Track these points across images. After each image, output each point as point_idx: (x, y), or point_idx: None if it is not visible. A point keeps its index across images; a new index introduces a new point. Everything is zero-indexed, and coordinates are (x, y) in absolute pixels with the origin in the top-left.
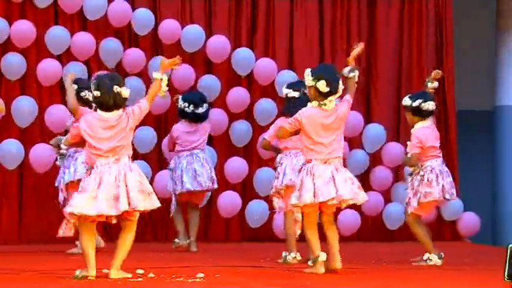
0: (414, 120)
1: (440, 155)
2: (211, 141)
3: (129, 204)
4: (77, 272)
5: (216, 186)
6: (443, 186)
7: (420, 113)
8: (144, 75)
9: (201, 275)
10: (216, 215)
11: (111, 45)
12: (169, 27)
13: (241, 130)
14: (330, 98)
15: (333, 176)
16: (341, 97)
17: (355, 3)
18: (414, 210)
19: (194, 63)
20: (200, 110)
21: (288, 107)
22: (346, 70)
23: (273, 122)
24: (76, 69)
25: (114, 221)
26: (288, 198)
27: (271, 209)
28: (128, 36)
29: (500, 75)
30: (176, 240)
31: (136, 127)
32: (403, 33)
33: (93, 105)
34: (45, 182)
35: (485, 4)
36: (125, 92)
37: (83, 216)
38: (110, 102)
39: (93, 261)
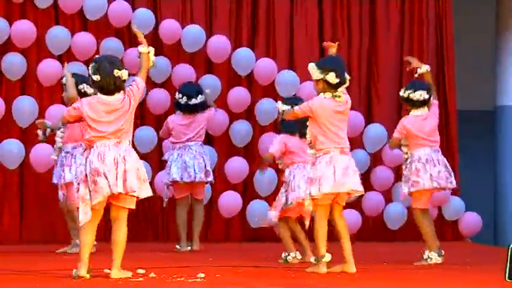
0: (409, 110)
1: (433, 144)
2: (211, 141)
3: (124, 187)
4: (73, 272)
5: (210, 179)
6: (431, 175)
7: (412, 103)
8: None
9: (201, 275)
10: (217, 215)
11: (111, 45)
12: (169, 27)
13: (241, 130)
14: (340, 89)
15: (348, 166)
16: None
17: (356, 3)
18: (413, 204)
19: (195, 63)
20: (193, 102)
21: (289, 124)
22: None
23: (273, 122)
24: (76, 70)
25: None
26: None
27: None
28: (128, 36)
29: (501, 75)
30: (177, 246)
31: (137, 127)
32: (403, 33)
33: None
34: (46, 181)
35: (485, 4)
36: (124, 74)
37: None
38: (111, 86)
39: (86, 261)
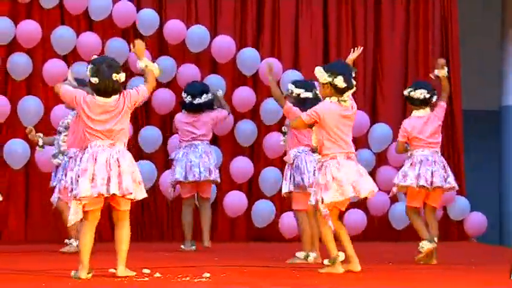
0: (411, 109)
1: (433, 145)
2: (217, 140)
3: (120, 189)
4: (73, 273)
5: (213, 177)
6: (419, 174)
7: (412, 101)
8: None
9: (207, 274)
10: (222, 214)
11: (116, 45)
12: (174, 27)
13: (246, 130)
14: (347, 94)
15: (359, 170)
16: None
17: (361, 3)
18: (406, 202)
19: (199, 63)
20: (197, 101)
21: (305, 108)
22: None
23: (278, 122)
24: (82, 70)
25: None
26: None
27: (277, 209)
28: (133, 36)
29: (506, 75)
30: (182, 246)
31: (141, 127)
32: (409, 33)
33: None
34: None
35: (490, 4)
36: (122, 77)
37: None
38: (109, 89)
39: (87, 262)
